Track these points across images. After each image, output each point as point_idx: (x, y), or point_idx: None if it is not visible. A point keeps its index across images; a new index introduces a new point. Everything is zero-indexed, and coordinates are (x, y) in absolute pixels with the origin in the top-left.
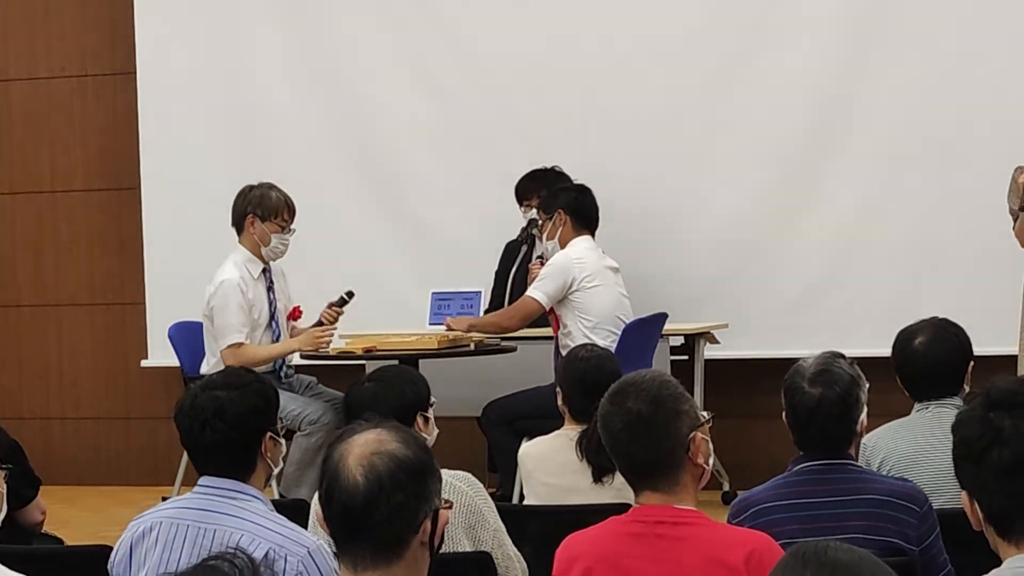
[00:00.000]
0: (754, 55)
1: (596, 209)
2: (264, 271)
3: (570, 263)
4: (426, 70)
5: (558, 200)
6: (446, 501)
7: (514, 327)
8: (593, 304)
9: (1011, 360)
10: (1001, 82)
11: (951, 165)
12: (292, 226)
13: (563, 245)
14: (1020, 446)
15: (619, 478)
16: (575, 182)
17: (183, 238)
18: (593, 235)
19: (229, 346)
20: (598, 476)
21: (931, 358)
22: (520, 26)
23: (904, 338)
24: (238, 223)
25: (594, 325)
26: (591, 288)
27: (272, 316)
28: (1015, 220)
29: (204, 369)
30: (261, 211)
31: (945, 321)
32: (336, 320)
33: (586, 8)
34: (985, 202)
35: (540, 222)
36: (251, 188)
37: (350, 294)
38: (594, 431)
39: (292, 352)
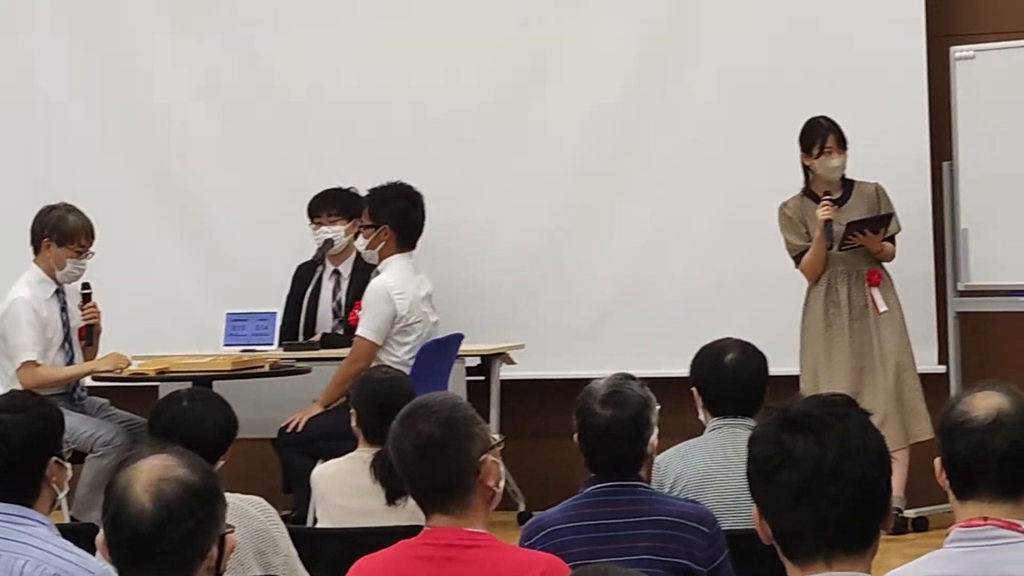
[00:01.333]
0: (550, 78)
1: (422, 223)
2: (57, 291)
3: (390, 296)
4: (220, 88)
5: (385, 213)
6: (229, 526)
7: (361, 368)
8: (409, 340)
9: (792, 380)
10: (788, 116)
11: (740, 193)
12: (91, 249)
13: (380, 259)
14: (810, 469)
15: (412, 500)
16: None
17: None
18: (414, 248)
19: (24, 364)
20: (391, 498)
21: (741, 375)
22: (314, 44)
23: (712, 354)
24: (35, 244)
25: (400, 360)
26: (411, 325)
27: (66, 336)
28: (795, 256)
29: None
30: (57, 235)
31: (748, 343)
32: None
33: (381, 25)
34: (772, 234)
35: (363, 227)
36: (50, 210)
37: (85, 286)
38: (388, 453)
39: (95, 372)
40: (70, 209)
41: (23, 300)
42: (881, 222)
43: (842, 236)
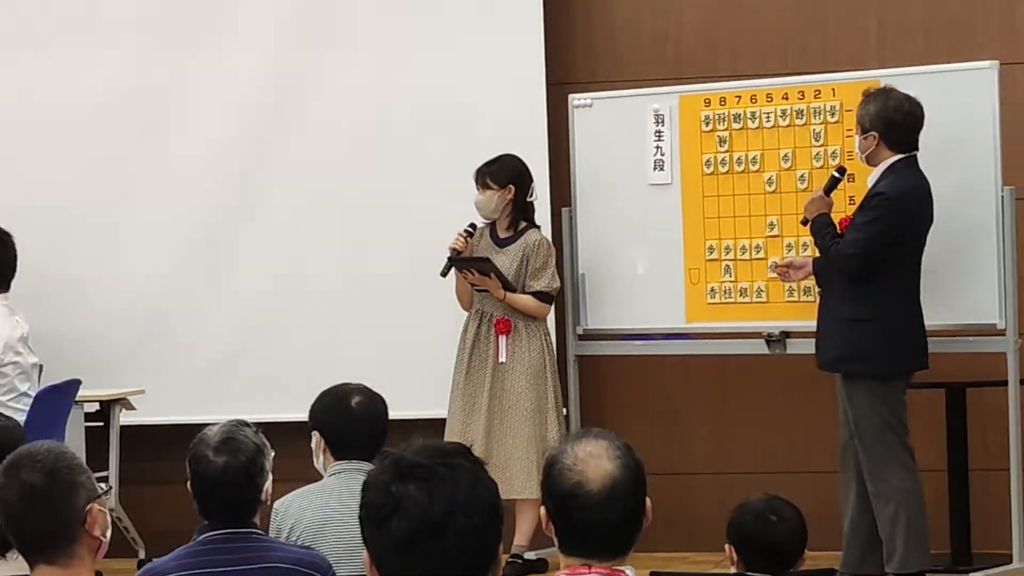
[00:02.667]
0: (171, 123)
1: (14, 263)
2: None
3: None
4: None
5: None
6: None
7: None
8: (9, 380)
9: (439, 422)
10: (408, 160)
11: (360, 237)
12: None
13: None
14: (417, 520)
15: None
16: None
17: None
18: (8, 290)
19: None
20: (1, 551)
21: (366, 418)
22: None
23: (336, 398)
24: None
25: (9, 400)
26: (4, 367)
27: None
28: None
29: None
30: None
31: (367, 386)
32: None
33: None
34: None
35: None
36: None
37: None
38: None
39: None
40: None
41: None
42: (475, 263)
43: (446, 265)
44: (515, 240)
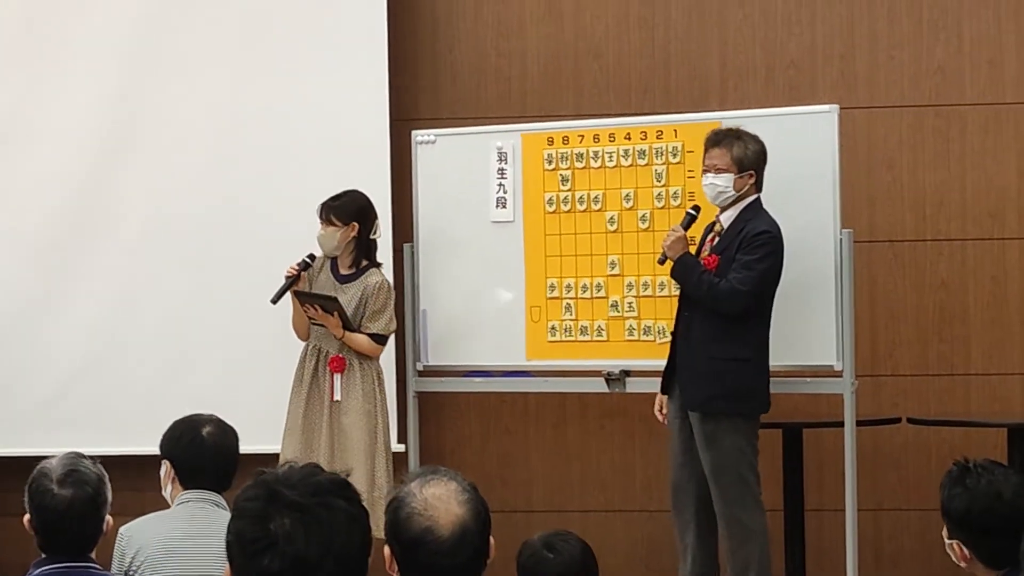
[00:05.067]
0: (13, 144)
1: None
2: None
3: None
4: None
5: None
6: None
7: None
8: None
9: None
10: (253, 193)
11: (206, 263)
12: None
13: None
14: (291, 559)
15: None
16: None
17: None
18: None
19: None
20: None
21: (218, 448)
22: None
23: (189, 427)
24: None
25: None
26: None
27: None
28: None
29: None
30: None
31: (219, 418)
32: None
33: None
34: (240, 305)
35: None
36: None
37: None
38: None
39: None
40: None
41: None
42: (320, 300)
43: (279, 292)
44: (356, 278)
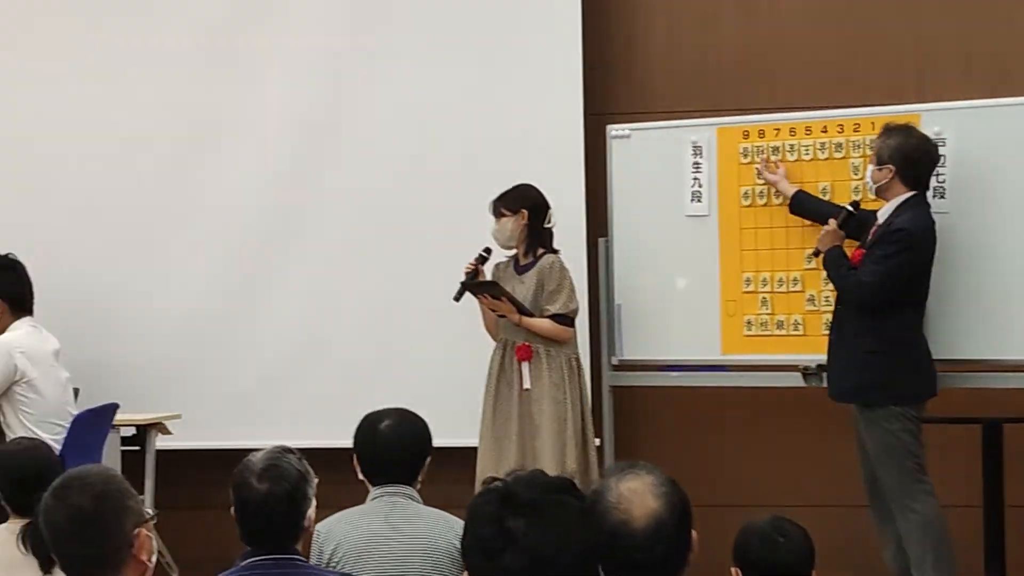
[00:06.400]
0: (212, 151)
1: (30, 288)
2: None
3: (11, 351)
4: None
5: None
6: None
7: None
8: (38, 398)
9: (471, 451)
10: (450, 191)
11: (405, 263)
12: None
13: (1, 331)
14: (533, 553)
15: None
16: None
17: None
18: (31, 314)
19: None
20: (46, 568)
21: (395, 442)
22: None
23: (369, 422)
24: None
25: (39, 419)
26: (35, 380)
27: None
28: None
29: None
30: None
31: (408, 411)
32: None
33: (31, 91)
34: (438, 303)
35: None
36: None
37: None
38: (39, 524)
39: None
40: None
41: None
42: (486, 287)
43: (459, 290)
44: (533, 266)
